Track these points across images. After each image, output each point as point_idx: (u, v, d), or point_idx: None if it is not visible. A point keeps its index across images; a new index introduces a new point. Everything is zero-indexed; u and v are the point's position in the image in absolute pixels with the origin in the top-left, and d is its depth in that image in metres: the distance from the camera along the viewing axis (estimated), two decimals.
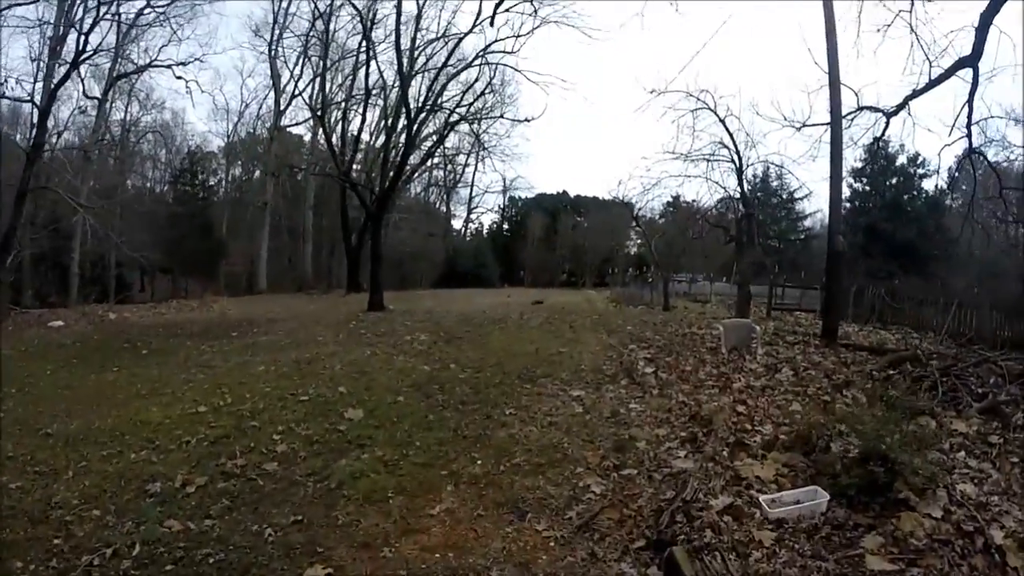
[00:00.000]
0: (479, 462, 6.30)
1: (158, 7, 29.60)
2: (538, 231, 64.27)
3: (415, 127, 27.39)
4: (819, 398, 8.73)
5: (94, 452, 6.68)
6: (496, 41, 26.09)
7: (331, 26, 35.93)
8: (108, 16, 28.27)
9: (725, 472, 5.75)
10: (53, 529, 4.99)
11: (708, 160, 23.01)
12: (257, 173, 50.23)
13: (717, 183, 29.89)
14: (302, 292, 38.01)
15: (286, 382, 10.01)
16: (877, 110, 16.46)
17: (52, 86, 26.77)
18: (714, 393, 9.16)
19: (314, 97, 39.13)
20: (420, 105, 27.27)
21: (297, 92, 42.82)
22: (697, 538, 4.52)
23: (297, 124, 45.64)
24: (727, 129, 21.94)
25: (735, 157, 22.32)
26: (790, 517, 4.81)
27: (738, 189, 23.82)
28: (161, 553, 4.57)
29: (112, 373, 11.19)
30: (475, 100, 28.58)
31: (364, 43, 30.56)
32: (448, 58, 27.02)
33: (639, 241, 57.33)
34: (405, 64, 26.41)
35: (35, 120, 27.88)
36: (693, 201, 35.86)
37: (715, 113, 21.69)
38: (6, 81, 32.69)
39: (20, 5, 29.40)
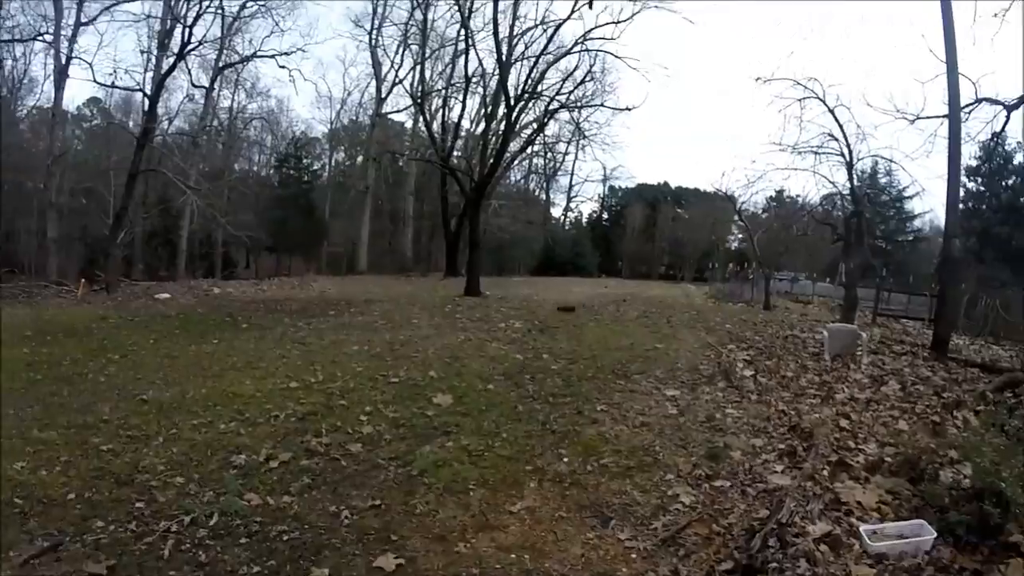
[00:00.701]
0: (566, 460, 6.14)
1: (260, 1, 31.57)
2: (637, 222, 63.71)
3: (514, 115, 27.43)
4: (928, 418, 8.18)
5: (185, 420, 6.88)
6: (595, 28, 25.59)
7: (429, 15, 36.68)
8: (212, 9, 30.04)
9: (824, 494, 5.34)
10: (137, 492, 5.13)
11: (816, 152, 22.26)
12: (359, 158, 52.14)
13: (825, 177, 28.84)
14: (401, 275, 38.72)
15: (378, 363, 10.12)
16: (997, 102, 15.41)
17: (160, 76, 28.44)
18: (815, 403, 8.73)
19: (414, 85, 40.05)
20: (519, 93, 27.37)
21: (398, 80, 44.17)
22: (790, 568, 4.18)
23: (398, 111, 47.09)
24: (836, 120, 21.05)
25: (844, 150, 21.42)
26: (892, 553, 4.39)
27: (847, 184, 22.91)
28: (237, 526, 4.63)
29: (211, 345, 11.60)
30: (575, 88, 28.34)
31: (462, 31, 30.90)
32: (547, 45, 27.01)
33: (740, 236, 56.26)
34: (504, 52, 26.51)
35: (145, 108, 29.88)
36: (797, 196, 34.61)
37: (823, 102, 20.89)
38: (116, 72, 35.00)
39: (127, 1, 31.42)
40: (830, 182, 24.12)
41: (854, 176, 22.63)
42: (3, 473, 5.39)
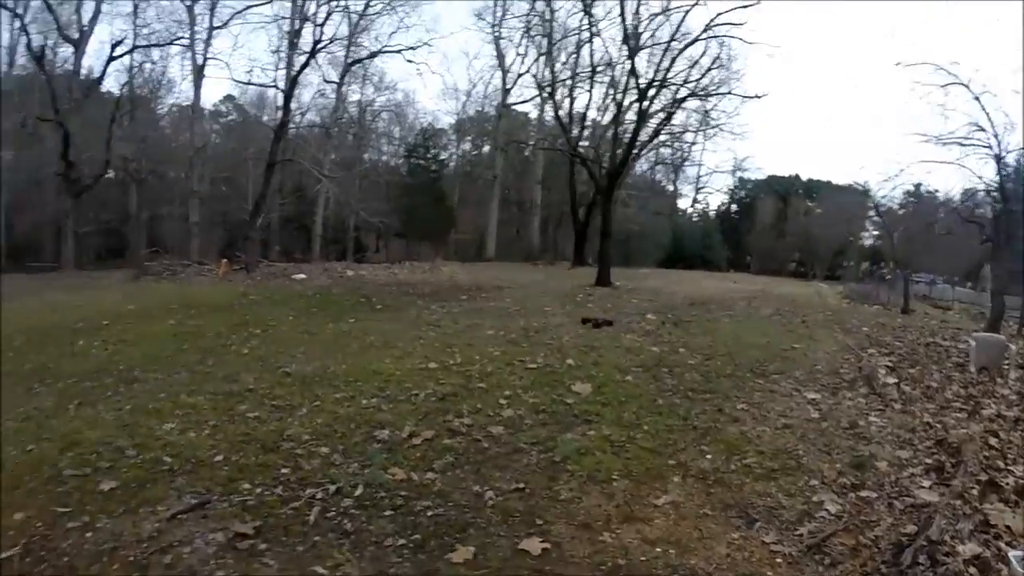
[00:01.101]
0: (708, 456, 5.85)
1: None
2: (767, 216, 61.31)
3: (644, 103, 26.86)
4: None
5: (328, 394, 7.00)
6: (722, 13, 24.66)
7: (551, 5, 36.62)
8: (340, 9, 31.99)
9: (973, 515, 4.88)
10: (283, 459, 5.23)
11: (961, 144, 20.21)
12: (485, 148, 53.06)
13: (972, 171, 26.67)
14: (528, 263, 38.90)
15: (514, 348, 10.05)
16: None
17: (294, 73, 30.23)
18: (961, 418, 8.00)
19: (540, 75, 40.08)
20: (648, 81, 26.74)
21: (522, 71, 44.18)
22: None
23: (523, 102, 47.04)
24: (983, 109, 19.15)
25: (993, 142, 19.41)
26: None
27: (996, 180, 20.73)
28: (382, 498, 4.62)
29: (348, 324, 11.87)
30: (702, 76, 27.42)
31: (585, 20, 30.84)
32: (675, 32, 26.22)
33: (876, 232, 53.18)
34: (630, 40, 25.97)
35: (280, 103, 31.98)
36: (936, 191, 32.39)
37: (969, 89, 19.03)
38: (252, 70, 37.91)
39: (258, 5, 33.55)
40: (977, 176, 22.26)
41: (1004, 171, 20.77)
42: (150, 433, 5.62)
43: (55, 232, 36.42)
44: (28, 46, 33.19)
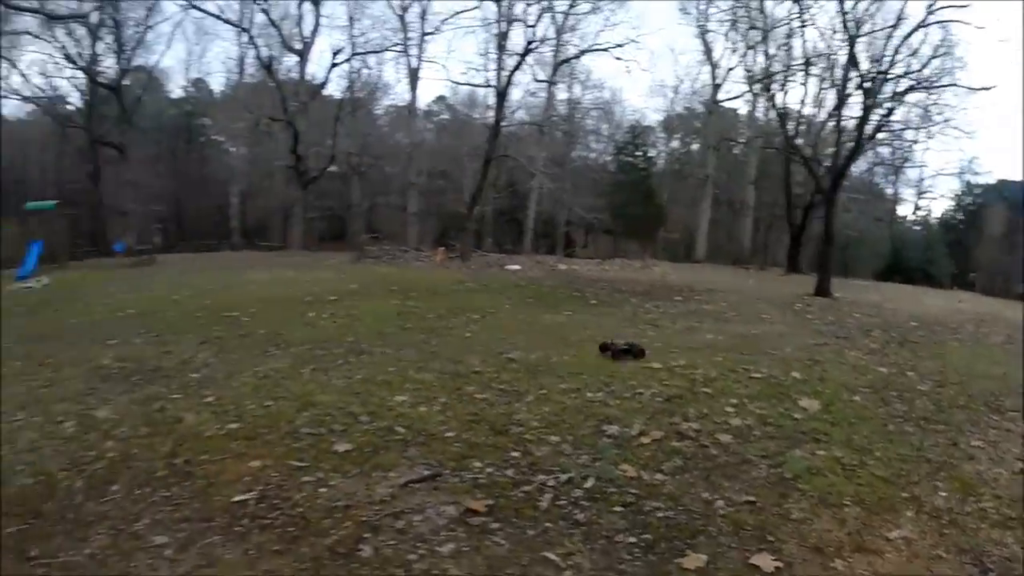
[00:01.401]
0: (942, 494, 5.25)
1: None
2: (996, 226, 54.88)
3: (868, 97, 24.86)
4: None
5: (553, 383, 6.99)
6: None
7: None
8: (548, 9, 34.11)
9: None
10: (512, 443, 5.26)
11: None
12: (694, 146, 52.16)
13: None
14: (738, 266, 37.67)
15: (735, 355, 9.66)
16: None
17: (506, 73, 32.15)
18: None
19: (750, 70, 38.57)
20: (872, 71, 24.68)
21: (732, 66, 43.13)
22: None
23: (733, 98, 45.79)
24: None
25: None
26: None
27: None
28: (612, 493, 4.51)
29: (563, 316, 11.95)
30: (923, 66, 24.81)
31: (795, 8, 29.59)
32: (899, 17, 23.87)
33: None
34: (849, 26, 24.04)
35: (491, 102, 34.28)
36: None
37: None
38: (468, 71, 40.43)
39: (465, 11, 37.84)
40: None
41: None
42: (382, 403, 5.86)
43: (283, 217, 40.96)
44: (257, 57, 38.79)
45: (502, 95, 31.62)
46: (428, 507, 4.20)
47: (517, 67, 32.16)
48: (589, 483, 4.60)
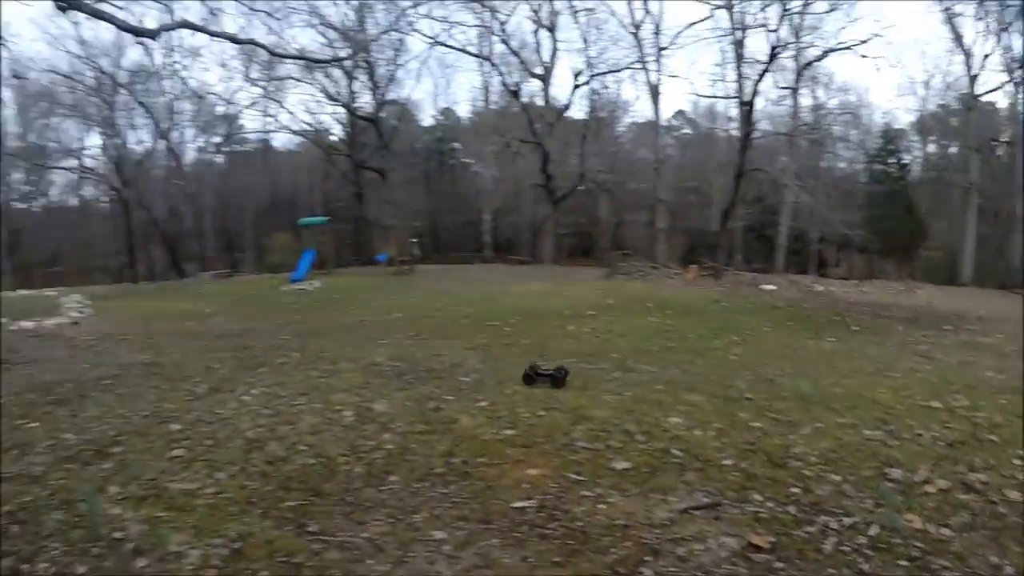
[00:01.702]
0: None
1: None
2: None
3: None
4: None
5: (828, 417, 6.72)
6: None
7: None
8: (787, 12, 32.44)
9: None
10: (792, 477, 5.12)
11: None
12: (953, 149, 47.50)
13: None
14: (1008, 290, 33.20)
15: (1021, 398, 8.81)
16: None
17: (751, 82, 31.17)
18: None
19: (1009, 52, 34.51)
20: None
21: (987, 52, 38.09)
22: None
23: (992, 90, 40.64)
24: None
25: None
26: None
27: None
28: (897, 544, 4.26)
29: (828, 343, 11.44)
30: None
31: None
32: None
33: None
34: None
35: (733, 114, 33.32)
36: None
37: None
38: (714, 83, 39.90)
39: (698, 23, 37.58)
40: None
41: None
42: (656, 423, 5.96)
43: (532, 232, 43.03)
44: (503, 84, 42.46)
45: (749, 106, 30.67)
46: (709, 536, 4.20)
47: (763, 74, 31.07)
48: (873, 531, 4.39)
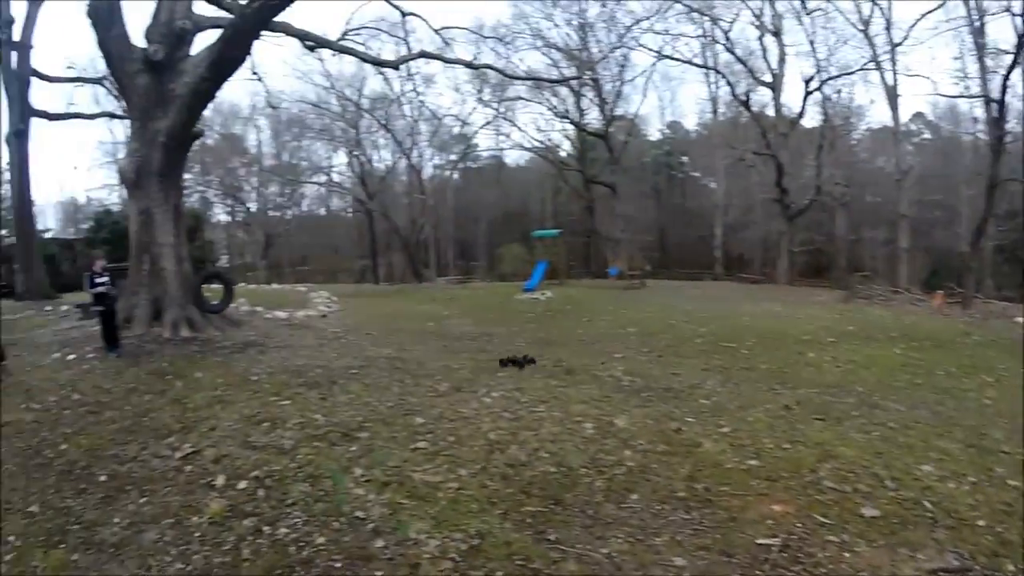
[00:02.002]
0: None
1: None
2: None
3: None
4: None
5: None
6: None
7: None
8: None
9: None
10: None
11: None
12: None
13: None
14: None
15: None
16: None
17: (1000, 76, 26.99)
18: None
19: None
20: None
21: None
22: None
23: None
24: None
25: None
26: None
27: None
28: None
29: None
30: None
31: None
32: None
33: None
34: None
35: (982, 115, 30.50)
36: None
37: None
38: (959, 82, 34.60)
39: (932, 12, 32.14)
40: None
41: None
42: (906, 470, 5.76)
43: (764, 249, 41.08)
44: (732, 94, 40.50)
45: (1000, 104, 27.01)
46: None
47: (1013, 67, 26.52)
48: None
